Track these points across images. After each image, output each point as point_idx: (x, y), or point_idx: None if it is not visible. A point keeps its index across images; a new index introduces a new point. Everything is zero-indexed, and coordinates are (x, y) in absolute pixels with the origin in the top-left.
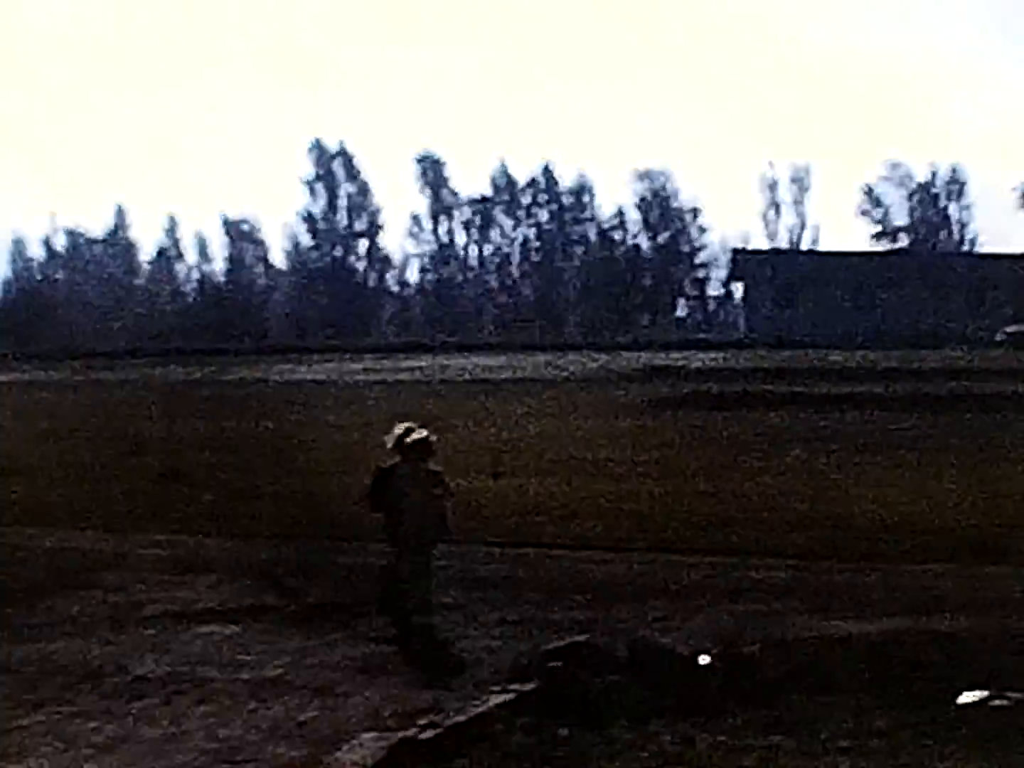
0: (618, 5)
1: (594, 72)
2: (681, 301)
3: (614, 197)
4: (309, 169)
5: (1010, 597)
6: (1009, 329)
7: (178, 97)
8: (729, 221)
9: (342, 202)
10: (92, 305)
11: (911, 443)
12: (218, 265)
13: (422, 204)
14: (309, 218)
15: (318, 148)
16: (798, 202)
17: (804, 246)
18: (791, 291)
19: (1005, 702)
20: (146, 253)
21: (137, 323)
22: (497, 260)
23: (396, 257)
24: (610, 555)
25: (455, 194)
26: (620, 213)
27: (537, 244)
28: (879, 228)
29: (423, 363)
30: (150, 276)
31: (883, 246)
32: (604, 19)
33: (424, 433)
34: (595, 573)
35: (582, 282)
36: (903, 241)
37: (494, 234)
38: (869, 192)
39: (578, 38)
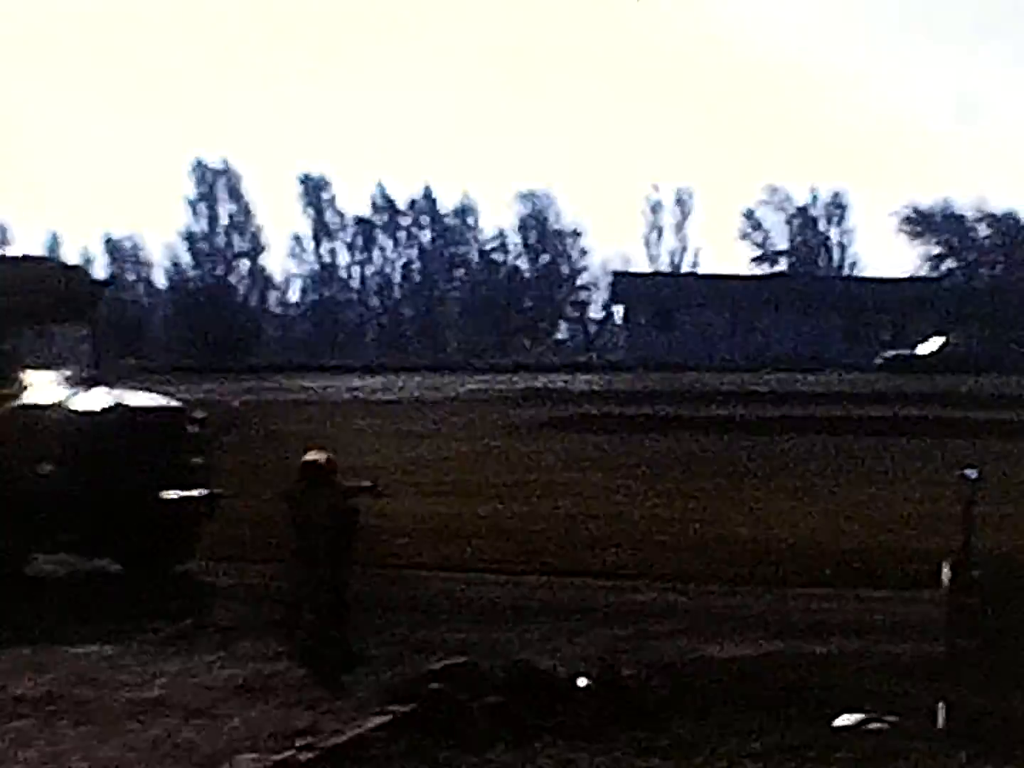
0: (500, 27)
1: (477, 92)
2: (562, 323)
3: (496, 219)
4: (191, 188)
5: (890, 621)
6: (887, 354)
7: (63, 112)
8: (610, 243)
9: (223, 221)
10: None
11: (791, 466)
12: None
13: (304, 224)
14: (190, 237)
15: (200, 167)
16: (680, 225)
17: (685, 269)
18: (671, 314)
19: (881, 725)
20: None
21: None
22: (379, 281)
23: (278, 277)
24: (490, 576)
25: (341, 214)
26: (501, 235)
27: (419, 265)
28: (759, 252)
29: (305, 383)
30: None
31: (763, 270)
32: (486, 40)
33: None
34: (475, 594)
35: (463, 304)
36: (782, 265)
37: (376, 255)
38: (750, 215)
39: (460, 58)
